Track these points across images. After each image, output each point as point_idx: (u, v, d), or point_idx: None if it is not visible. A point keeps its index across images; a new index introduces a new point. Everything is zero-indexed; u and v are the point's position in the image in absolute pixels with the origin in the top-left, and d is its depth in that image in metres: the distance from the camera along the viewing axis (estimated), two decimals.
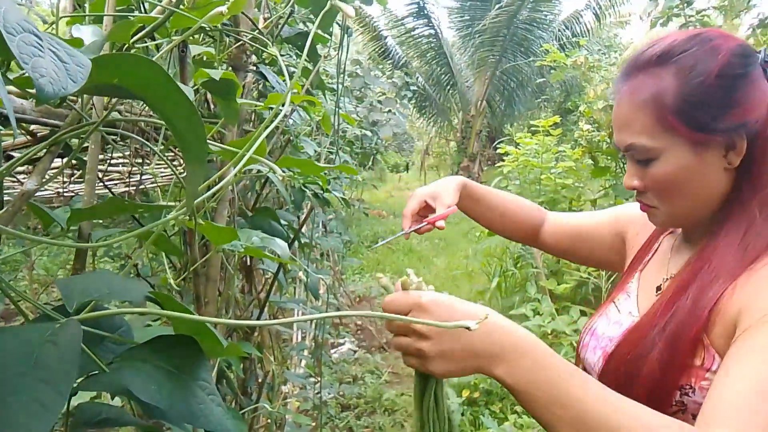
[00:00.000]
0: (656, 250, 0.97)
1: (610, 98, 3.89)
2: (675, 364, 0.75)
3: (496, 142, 5.26)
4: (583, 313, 3.75)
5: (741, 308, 0.71)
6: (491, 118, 13.94)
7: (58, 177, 1.25)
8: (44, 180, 0.55)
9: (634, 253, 1.01)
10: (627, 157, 0.85)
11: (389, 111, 7.26)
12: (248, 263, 1.73)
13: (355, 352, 4.99)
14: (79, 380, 0.64)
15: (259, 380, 1.64)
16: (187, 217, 0.50)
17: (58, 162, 0.86)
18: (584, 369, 0.94)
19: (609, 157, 4.39)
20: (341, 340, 5.18)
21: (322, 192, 3.03)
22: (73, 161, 1.31)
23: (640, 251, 1.00)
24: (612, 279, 3.70)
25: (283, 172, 0.70)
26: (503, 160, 4.41)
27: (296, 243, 2.73)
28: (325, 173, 2.25)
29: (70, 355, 0.43)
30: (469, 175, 13.33)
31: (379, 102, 7.30)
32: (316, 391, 4.27)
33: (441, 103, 13.85)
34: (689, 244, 0.89)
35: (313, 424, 3.32)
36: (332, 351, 4.94)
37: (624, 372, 0.81)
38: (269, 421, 1.79)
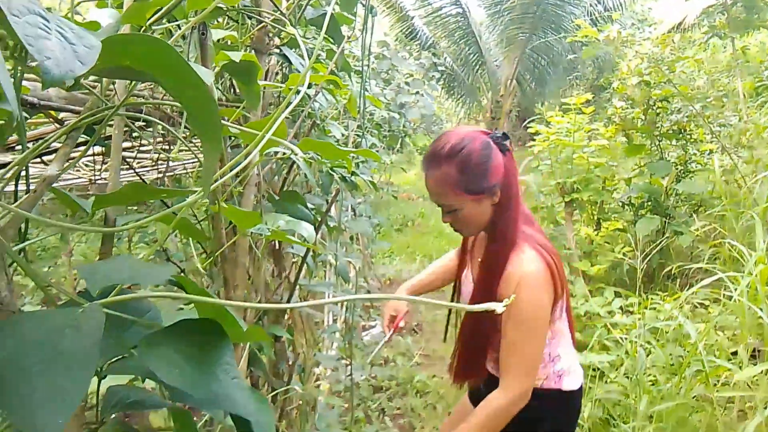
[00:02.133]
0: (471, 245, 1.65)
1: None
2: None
3: (526, 122, 5.17)
4: (617, 294, 3.68)
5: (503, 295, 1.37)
6: (521, 98, 13.70)
7: (91, 165, 1.27)
8: (66, 165, 0.55)
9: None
10: (442, 210, 1.42)
11: (417, 93, 7.18)
12: (277, 247, 1.74)
13: (386, 334, 5.00)
14: (107, 364, 0.64)
15: (291, 362, 1.65)
16: (208, 200, 0.50)
17: (87, 149, 0.87)
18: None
19: (643, 135, 4.28)
20: (372, 323, 5.20)
21: (349, 176, 3.03)
22: (104, 149, 1.32)
23: (462, 246, 1.69)
24: (647, 259, 3.62)
25: (305, 154, 0.69)
26: (534, 140, 4.32)
27: (325, 227, 2.74)
28: (352, 157, 2.24)
29: (91, 341, 0.43)
30: None
31: (407, 84, 7.22)
32: (347, 374, 4.32)
33: (470, 84, 13.65)
34: (480, 242, 1.54)
35: (345, 405, 3.35)
36: (363, 334, 4.97)
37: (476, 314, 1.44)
38: (301, 402, 1.81)
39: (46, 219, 0.48)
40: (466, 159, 1.31)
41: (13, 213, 0.50)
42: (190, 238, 1.26)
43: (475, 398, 1.60)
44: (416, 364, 4.23)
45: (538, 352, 1.38)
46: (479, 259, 1.48)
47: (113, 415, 0.72)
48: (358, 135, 4.65)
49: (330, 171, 2.94)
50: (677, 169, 4.18)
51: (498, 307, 0.48)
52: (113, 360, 0.64)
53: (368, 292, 5.67)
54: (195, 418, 0.80)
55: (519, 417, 1.37)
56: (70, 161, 0.58)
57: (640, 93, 3.96)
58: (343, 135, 2.95)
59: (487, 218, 1.38)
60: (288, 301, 1.72)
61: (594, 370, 3.23)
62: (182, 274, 0.54)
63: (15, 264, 0.59)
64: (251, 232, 1.16)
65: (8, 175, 0.53)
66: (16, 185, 0.58)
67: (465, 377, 1.60)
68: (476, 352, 1.53)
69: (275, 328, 1.69)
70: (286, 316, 1.88)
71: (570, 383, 1.51)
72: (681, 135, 4.17)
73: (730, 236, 3.50)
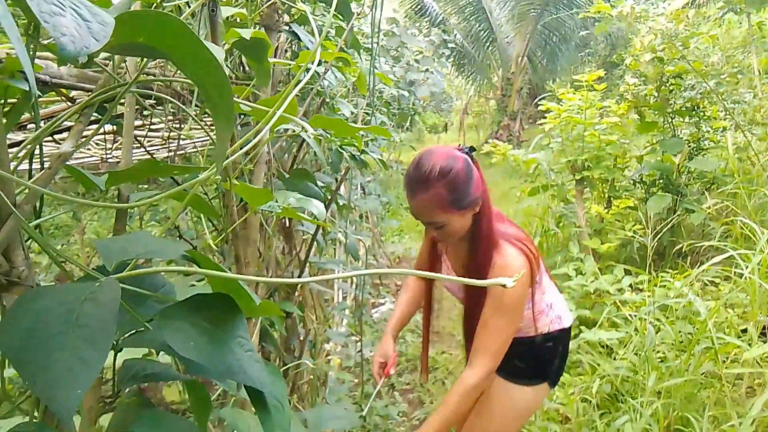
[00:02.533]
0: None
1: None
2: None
3: (537, 99, 5.11)
4: (627, 272, 3.68)
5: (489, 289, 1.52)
6: (532, 75, 13.54)
7: (103, 144, 1.28)
8: (80, 143, 0.55)
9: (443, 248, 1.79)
10: (426, 226, 1.54)
11: (426, 70, 7.11)
12: (287, 225, 1.75)
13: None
14: (123, 337, 0.66)
15: (302, 338, 1.67)
16: (220, 177, 0.50)
17: (100, 127, 0.87)
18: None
19: (656, 112, 4.22)
20: (381, 300, 5.24)
21: (359, 154, 3.02)
22: (115, 127, 1.33)
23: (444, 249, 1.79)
24: (658, 237, 3.60)
25: (315, 131, 0.69)
26: (545, 118, 4.28)
27: (335, 205, 2.75)
28: (361, 135, 2.23)
29: (109, 314, 0.44)
30: (510, 134, 13.06)
31: (416, 61, 7.15)
32: (357, 350, 4.37)
33: (480, 61, 13.50)
34: (462, 242, 1.60)
35: (356, 380, 3.39)
36: (373, 311, 5.01)
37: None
38: (312, 377, 1.84)
39: (62, 195, 0.49)
40: (454, 179, 1.42)
41: (29, 189, 0.51)
42: (202, 217, 1.27)
43: None
44: None
45: (510, 337, 1.55)
46: (459, 263, 1.71)
47: (128, 389, 0.74)
48: (367, 113, 4.63)
49: (339, 149, 2.94)
50: (690, 146, 4.14)
51: (509, 282, 0.49)
52: (129, 334, 0.66)
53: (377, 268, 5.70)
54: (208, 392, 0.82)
55: (537, 357, 1.74)
56: (83, 139, 0.59)
57: (653, 69, 3.90)
58: (352, 113, 2.94)
59: (468, 226, 1.53)
60: (298, 278, 1.73)
61: (603, 347, 3.25)
62: (194, 250, 0.55)
63: (30, 241, 0.60)
64: (262, 210, 1.17)
65: (22, 153, 0.54)
66: (31, 163, 0.59)
67: None
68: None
69: (286, 305, 1.71)
70: (296, 293, 1.90)
71: (567, 321, 1.80)
72: (694, 112, 4.11)
73: (743, 214, 3.47)
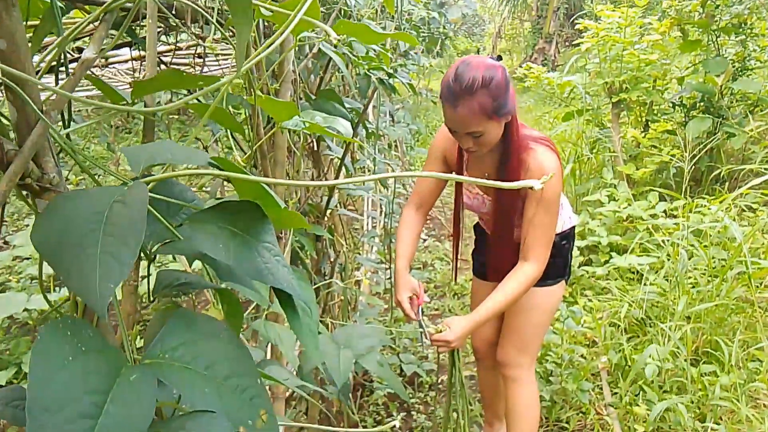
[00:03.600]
0: (467, 158, 1.77)
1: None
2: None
3: (573, 18, 4.87)
4: (662, 198, 3.60)
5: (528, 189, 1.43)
6: None
7: (131, 73, 1.27)
8: (103, 48, 0.55)
9: (454, 160, 1.79)
10: (465, 136, 1.54)
11: None
12: (315, 148, 1.75)
13: (425, 240, 5.07)
14: (156, 246, 0.68)
15: (332, 260, 1.70)
16: (245, 87, 0.49)
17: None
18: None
19: (700, 30, 3.99)
20: None
21: (387, 78, 2.96)
22: (142, 52, 1.32)
23: (457, 163, 1.78)
24: (695, 161, 3.49)
25: (342, 52, 0.67)
26: (582, 38, 4.09)
27: (363, 132, 2.72)
28: (391, 58, 2.17)
29: (137, 214, 0.45)
30: (545, 58, 12.59)
31: None
32: (387, 276, 4.44)
33: None
34: (489, 153, 1.64)
35: (385, 306, 3.47)
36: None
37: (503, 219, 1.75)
38: (342, 299, 1.88)
39: (88, 100, 0.49)
40: (497, 88, 1.48)
41: (55, 94, 0.51)
42: (233, 146, 1.27)
43: (492, 275, 1.98)
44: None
45: (554, 230, 1.68)
46: (485, 175, 1.74)
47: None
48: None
49: (367, 73, 2.88)
50: (734, 66, 3.93)
51: (536, 184, 0.48)
52: (161, 243, 0.67)
53: (406, 198, 5.71)
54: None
55: (556, 257, 1.78)
56: (104, 48, 0.58)
57: None
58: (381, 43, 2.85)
59: (501, 134, 1.59)
60: (327, 203, 1.75)
61: (633, 273, 3.23)
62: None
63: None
64: (289, 130, 1.17)
65: (48, 57, 0.54)
66: (57, 71, 0.59)
67: (502, 274, 1.73)
68: (509, 249, 1.78)
69: (316, 228, 1.74)
70: (326, 218, 1.92)
71: (575, 218, 1.93)
72: (741, 29, 3.87)
73: None
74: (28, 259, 3.97)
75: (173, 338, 0.49)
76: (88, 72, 0.74)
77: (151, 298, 0.71)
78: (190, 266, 0.76)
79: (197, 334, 0.49)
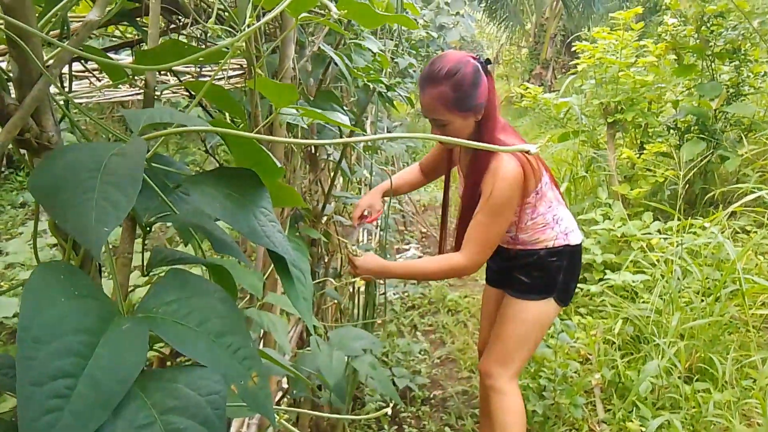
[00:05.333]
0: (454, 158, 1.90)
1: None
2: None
3: (569, 39, 4.94)
4: (656, 218, 3.62)
5: (483, 189, 1.64)
6: (567, 20, 13.04)
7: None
8: (107, 11, 0.55)
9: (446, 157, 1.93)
10: (431, 122, 1.64)
11: (457, 14, 6.90)
12: (313, 152, 1.75)
13: (420, 257, 5.07)
14: (153, 218, 0.67)
15: (326, 260, 1.70)
16: (242, 44, 0.50)
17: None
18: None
19: (695, 54, 4.05)
20: (406, 246, 5.27)
21: (386, 91, 2.98)
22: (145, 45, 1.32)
23: (447, 159, 1.92)
24: (689, 183, 3.51)
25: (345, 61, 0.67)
26: (578, 64, 4.14)
27: (362, 146, 2.73)
28: (383, 71, 2.19)
29: (135, 165, 0.45)
30: (542, 83, 12.73)
31: (447, 4, 6.94)
32: (381, 292, 4.41)
33: (513, 5, 13.07)
34: (464, 154, 1.81)
35: (379, 321, 3.45)
36: (397, 256, 5.05)
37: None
38: (335, 302, 1.87)
39: (91, 55, 0.50)
40: (460, 81, 1.54)
41: (60, 48, 0.52)
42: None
43: (493, 282, 2.13)
44: (448, 285, 4.30)
45: (498, 235, 1.68)
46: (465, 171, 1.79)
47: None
48: (395, 53, 4.53)
49: (366, 84, 2.90)
50: (728, 91, 3.98)
51: (532, 148, 0.48)
52: (158, 215, 0.67)
53: (403, 216, 5.71)
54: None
55: (541, 272, 1.81)
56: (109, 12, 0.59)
57: (694, 7, 3.72)
58: (379, 50, 2.88)
59: (470, 132, 1.64)
60: (323, 207, 1.75)
61: (627, 291, 3.23)
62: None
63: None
64: (287, 123, 1.17)
65: (54, 19, 0.54)
66: (61, 32, 0.59)
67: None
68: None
69: (310, 231, 1.73)
70: (322, 223, 1.92)
71: (575, 238, 1.85)
72: (735, 55, 3.94)
73: None
74: (22, 265, 3.94)
75: (167, 294, 0.48)
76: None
77: (146, 273, 0.71)
78: (186, 245, 0.76)
79: (190, 291, 0.49)
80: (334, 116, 1.09)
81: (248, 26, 0.91)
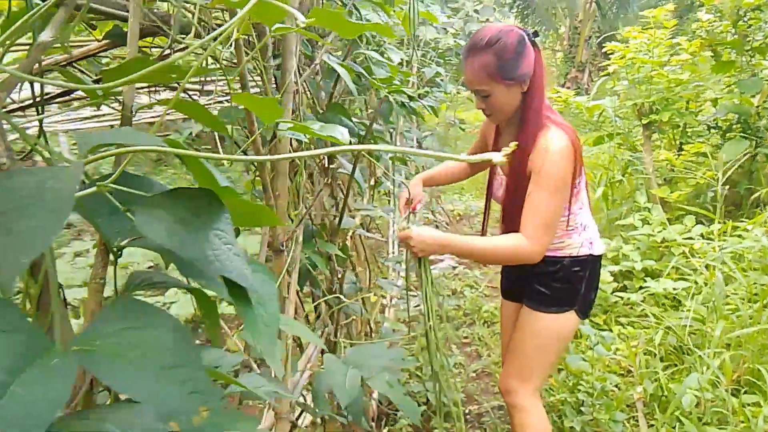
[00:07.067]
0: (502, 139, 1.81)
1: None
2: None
3: (600, 38, 4.82)
4: (699, 222, 3.46)
5: (532, 167, 1.56)
6: (601, 22, 12.77)
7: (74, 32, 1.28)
8: (58, 32, 0.53)
9: (492, 142, 1.86)
10: (475, 94, 1.61)
11: (486, 20, 6.85)
12: (327, 165, 1.73)
13: (455, 268, 5.00)
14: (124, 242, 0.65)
15: (339, 276, 1.66)
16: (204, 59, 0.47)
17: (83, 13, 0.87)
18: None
19: (733, 50, 3.88)
20: (441, 257, 5.21)
21: (408, 101, 2.95)
22: None
23: (494, 141, 1.84)
24: (732, 184, 3.36)
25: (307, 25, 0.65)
26: (610, 61, 4.02)
27: (388, 156, 2.71)
28: (404, 81, 2.16)
29: (68, 189, 0.43)
30: (578, 86, 12.50)
31: (476, 12, 6.89)
32: (415, 304, 4.35)
33: (545, 10, 12.89)
34: (510, 128, 1.72)
35: (413, 334, 3.40)
36: (432, 267, 4.98)
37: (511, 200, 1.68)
38: (355, 318, 1.83)
39: (47, 80, 0.48)
40: (502, 48, 1.50)
41: (9, 74, 0.50)
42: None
43: (509, 296, 2.02)
44: (483, 295, 4.22)
45: (556, 213, 1.57)
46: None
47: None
48: (422, 63, 4.50)
49: (388, 96, 2.87)
50: None
51: (497, 157, 0.44)
52: (130, 240, 0.65)
53: (436, 226, 5.65)
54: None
55: (562, 283, 1.73)
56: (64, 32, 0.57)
57: (729, 2, 3.57)
58: (402, 60, 2.86)
59: (516, 105, 1.58)
60: (339, 220, 1.72)
61: (669, 299, 3.09)
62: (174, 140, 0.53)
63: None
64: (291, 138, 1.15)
65: (8, 41, 0.53)
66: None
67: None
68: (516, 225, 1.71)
69: (327, 246, 1.71)
70: (341, 237, 1.89)
71: (598, 248, 1.78)
72: None
73: None
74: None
75: (111, 324, 0.46)
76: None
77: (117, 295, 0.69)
78: (167, 267, 0.74)
79: (136, 322, 0.46)
80: (333, 131, 1.06)
81: (235, 41, 0.89)
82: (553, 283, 1.75)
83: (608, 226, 3.90)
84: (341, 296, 1.56)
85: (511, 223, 1.66)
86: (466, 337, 3.78)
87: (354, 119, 2.05)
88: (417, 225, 1.63)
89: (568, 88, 12.42)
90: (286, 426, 1.30)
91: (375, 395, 2.58)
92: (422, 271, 1.66)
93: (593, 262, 1.77)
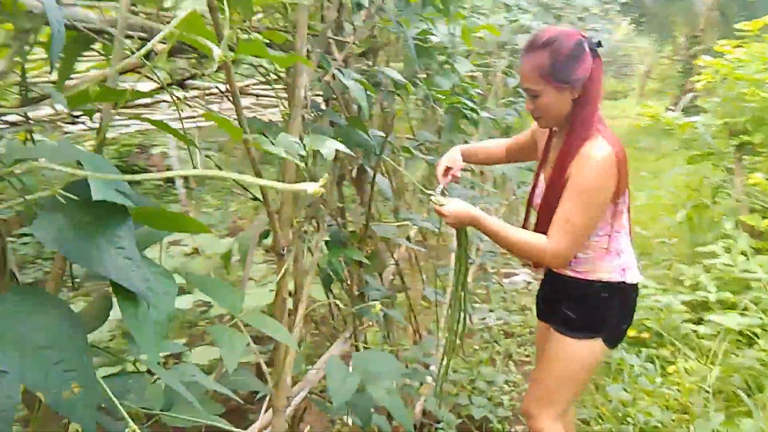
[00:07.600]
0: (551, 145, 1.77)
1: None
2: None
3: (692, 50, 4.51)
4: None
5: (570, 174, 1.55)
6: (725, 31, 11.86)
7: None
8: (11, 64, 0.64)
9: (542, 147, 1.80)
10: (525, 93, 1.60)
11: (592, 29, 6.61)
12: (356, 176, 1.80)
13: (529, 283, 4.90)
14: None
15: (349, 283, 1.73)
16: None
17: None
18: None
19: None
20: (515, 270, 5.11)
21: (470, 113, 2.96)
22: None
23: (544, 147, 1.78)
24: None
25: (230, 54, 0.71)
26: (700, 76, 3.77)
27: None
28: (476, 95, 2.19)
29: None
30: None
31: (580, 19, 6.67)
32: (481, 317, 4.31)
33: (662, 18, 12.16)
34: (560, 135, 1.69)
35: (475, 347, 3.36)
36: (505, 280, 4.91)
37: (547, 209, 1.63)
38: (371, 323, 1.89)
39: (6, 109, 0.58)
40: (557, 49, 1.49)
41: None
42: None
43: (543, 316, 1.97)
44: None
45: (586, 227, 1.55)
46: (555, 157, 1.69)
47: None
48: (506, 72, 4.46)
49: (452, 107, 2.90)
50: None
51: (310, 187, 0.48)
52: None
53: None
54: None
55: (590, 308, 1.70)
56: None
57: None
58: (470, 71, 2.86)
59: (565, 111, 1.57)
60: (366, 224, 1.78)
61: (740, 334, 2.85)
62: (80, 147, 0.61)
63: None
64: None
65: None
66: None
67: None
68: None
69: (354, 252, 1.77)
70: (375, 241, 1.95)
71: (632, 277, 1.70)
72: None
73: None
74: None
75: None
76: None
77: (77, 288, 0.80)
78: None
79: (22, 306, 0.55)
80: (321, 145, 1.13)
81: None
82: (580, 307, 1.72)
83: (690, 249, 3.65)
84: (350, 308, 1.62)
85: (543, 230, 1.64)
86: (527, 356, 3.70)
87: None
88: (451, 198, 1.65)
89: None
90: (280, 419, 1.37)
91: (419, 405, 2.61)
92: (459, 236, 1.74)
93: (626, 291, 1.71)
